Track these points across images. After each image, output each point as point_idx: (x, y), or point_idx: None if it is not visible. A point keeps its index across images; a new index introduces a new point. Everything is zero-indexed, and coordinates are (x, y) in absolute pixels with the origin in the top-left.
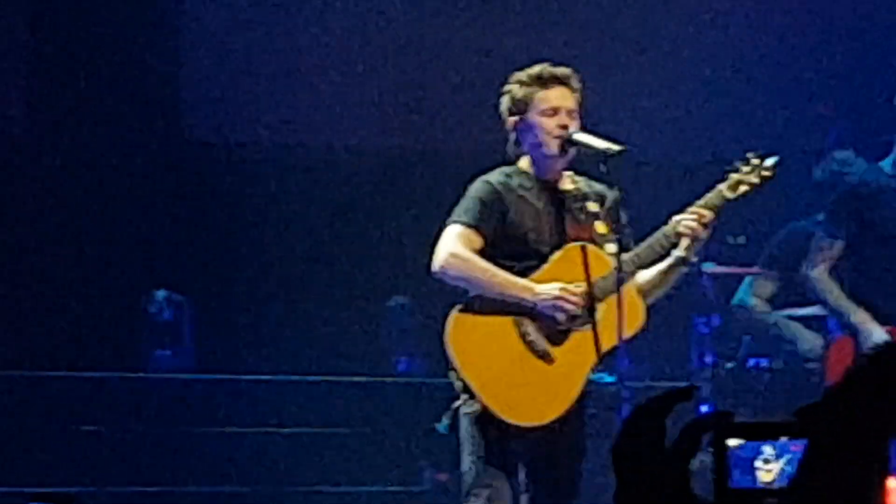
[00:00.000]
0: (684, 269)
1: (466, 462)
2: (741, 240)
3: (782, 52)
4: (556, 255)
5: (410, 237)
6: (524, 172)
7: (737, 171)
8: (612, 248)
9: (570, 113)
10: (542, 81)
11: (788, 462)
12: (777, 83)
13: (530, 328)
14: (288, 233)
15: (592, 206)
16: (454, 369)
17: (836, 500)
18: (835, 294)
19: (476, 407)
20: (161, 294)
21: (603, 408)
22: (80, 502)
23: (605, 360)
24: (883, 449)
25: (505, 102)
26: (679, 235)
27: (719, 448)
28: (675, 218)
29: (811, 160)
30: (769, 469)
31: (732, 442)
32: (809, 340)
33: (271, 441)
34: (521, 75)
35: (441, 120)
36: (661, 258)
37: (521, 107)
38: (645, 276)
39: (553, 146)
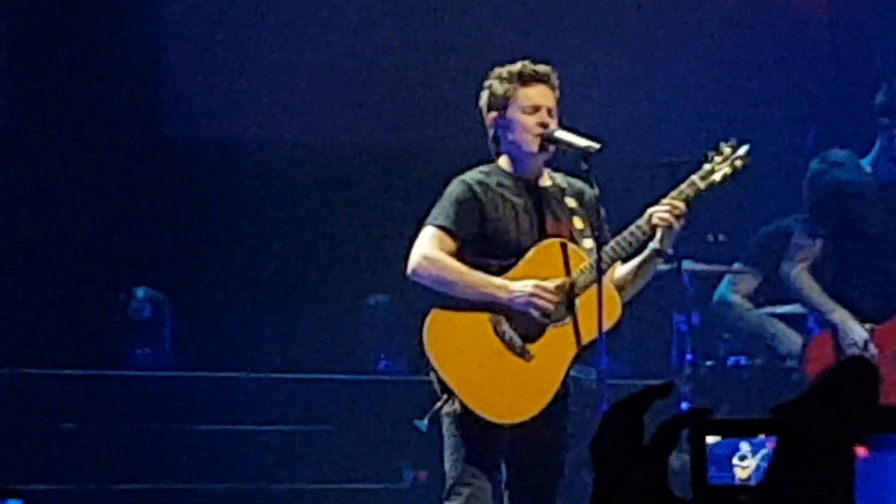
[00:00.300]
0: (660, 262)
1: (448, 461)
2: (722, 238)
3: (762, 50)
4: (532, 251)
5: (391, 235)
6: (503, 170)
7: (710, 160)
8: (588, 243)
9: (549, 111)
10: (523, 79)
11: (764, 458)
12: (757, 81)
13: (506, 326)
14: (268, 230)
15: (571, 202)
16: (434, 369)
17: (803, 499)
18: (814, 292)
19: (456, 406)
20: (141, 292)
21: (583, 405)
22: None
23: (585, 355)
24: (850, 452)
25: (484, 98)
26: (654, 227)
27: (697, 445)
28: (650, 210)
29: (792, 158)
30: (745, 466)
31: (710, 439)
32: (790, 339)
33: (251, 439)
34: (502, 71)
35: (421, 117)
36: (637, 251)
37: (500, 103)
38: (621, 269)
39: (533, 144)
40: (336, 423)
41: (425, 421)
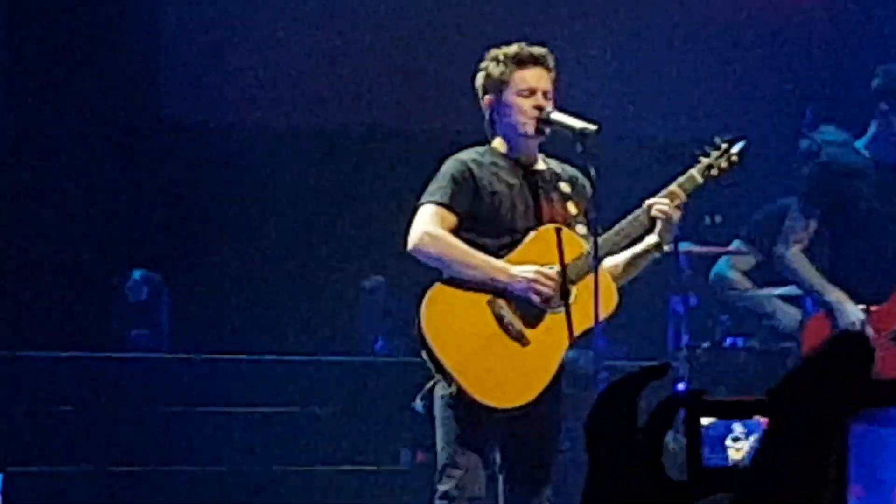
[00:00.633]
0: (657, 255)
1: (440, 443)
2: (718, 219)
3: (762, 32)
4: (531, 236)
5: (387, 217)
6: (497, 152)
7: (707, 155)
8: (582, 229)
9: (546, 94)
10: (519, 61)
11: (758, 441)
12: (756, 63)
13: (505, 310)
14: (264, 213)
15: (565, 187)
16: (428, 350)
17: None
18: (809, 273)
19: (451, 388)
20: (138, 274)
21: (579, 388)
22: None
23: (582, 340)
24: (843, 427)
25: (480, 80)
26: (653, 219)
27: (692, 426)
28: (648, 202)
29: (790, 140)
30: (739, 447)
31: (704, 421)
32: (789, 315)
33: (248, 421)
34: (498, 53)
35: (416, 100)
36: (634, 242)
37: (496, 86)
38: (616, 259)
39: (529, 127)
40: (333, 405)
41: (421, 402)
